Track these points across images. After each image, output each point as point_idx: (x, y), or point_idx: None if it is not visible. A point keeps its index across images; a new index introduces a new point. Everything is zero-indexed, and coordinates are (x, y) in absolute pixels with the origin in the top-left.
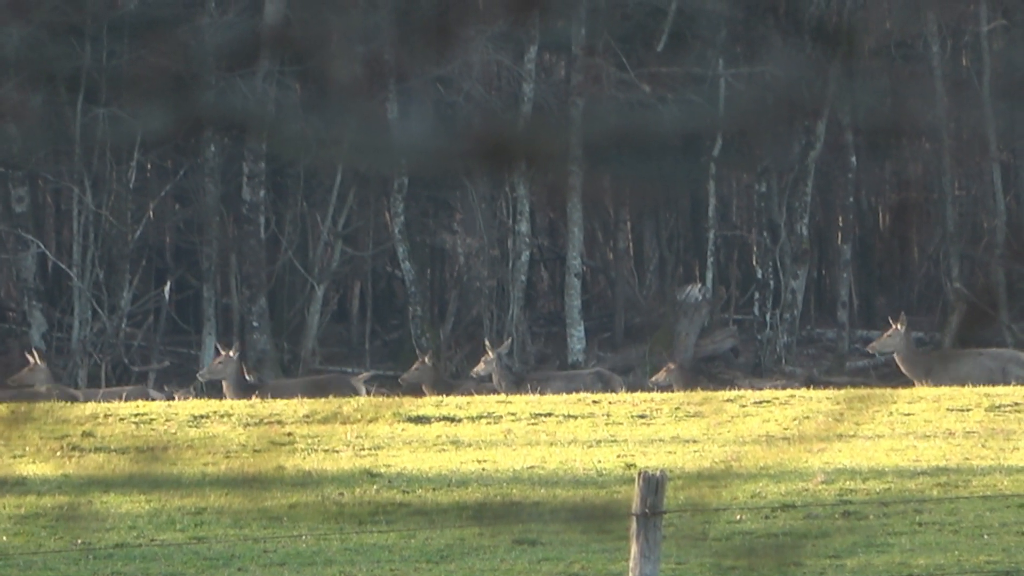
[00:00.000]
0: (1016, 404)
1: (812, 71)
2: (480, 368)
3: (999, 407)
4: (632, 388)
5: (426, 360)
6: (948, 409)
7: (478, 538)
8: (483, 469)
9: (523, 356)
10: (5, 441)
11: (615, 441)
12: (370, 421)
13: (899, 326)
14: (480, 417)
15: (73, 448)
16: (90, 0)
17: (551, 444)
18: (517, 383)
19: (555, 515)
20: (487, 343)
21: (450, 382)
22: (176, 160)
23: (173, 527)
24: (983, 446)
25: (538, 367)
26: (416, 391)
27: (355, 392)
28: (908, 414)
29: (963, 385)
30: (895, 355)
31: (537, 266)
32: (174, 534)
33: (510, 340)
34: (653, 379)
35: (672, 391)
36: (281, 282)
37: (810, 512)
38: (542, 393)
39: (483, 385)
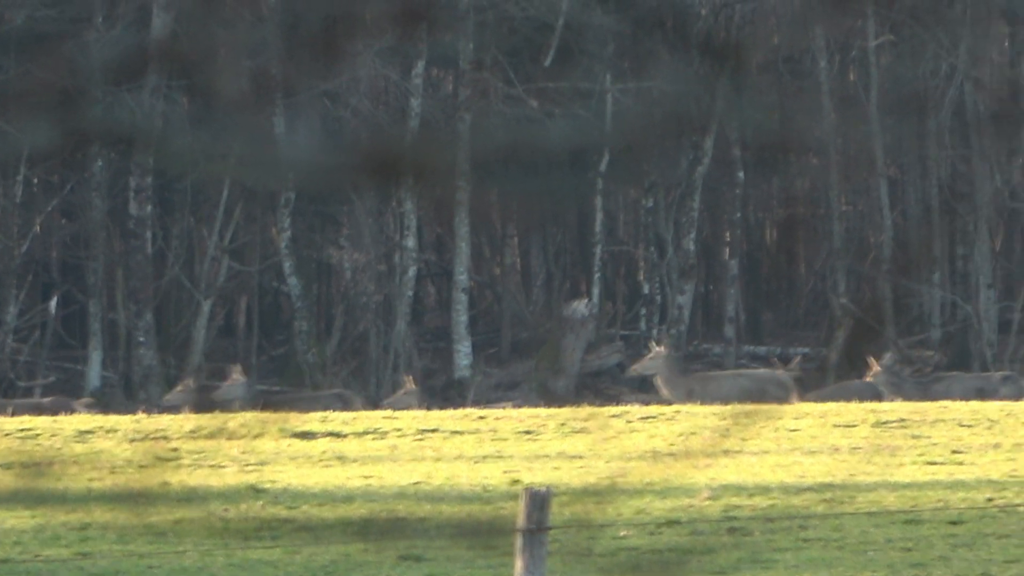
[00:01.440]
0: (902, 420)
1: (700, 86)
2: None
3: (885, 423)
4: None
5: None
6: (834, 425)
7: (363, 554)
8: (368, 485)
9: (409, 371)
10: None
11: (501, 457)
12: (255, 437)
13: (661, 348)
14: (366, 433)
15: None
16: None
17: (437, 460)
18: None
19: (440, 531)
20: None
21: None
22: (63, 175)
23: (58, 543)
24: (868, 462)
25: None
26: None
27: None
28: (794, 430)
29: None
30: (656, 377)
31: (424, 281)
32: (59, 550)
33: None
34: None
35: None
36: (167, 297)
37: (695, 528)
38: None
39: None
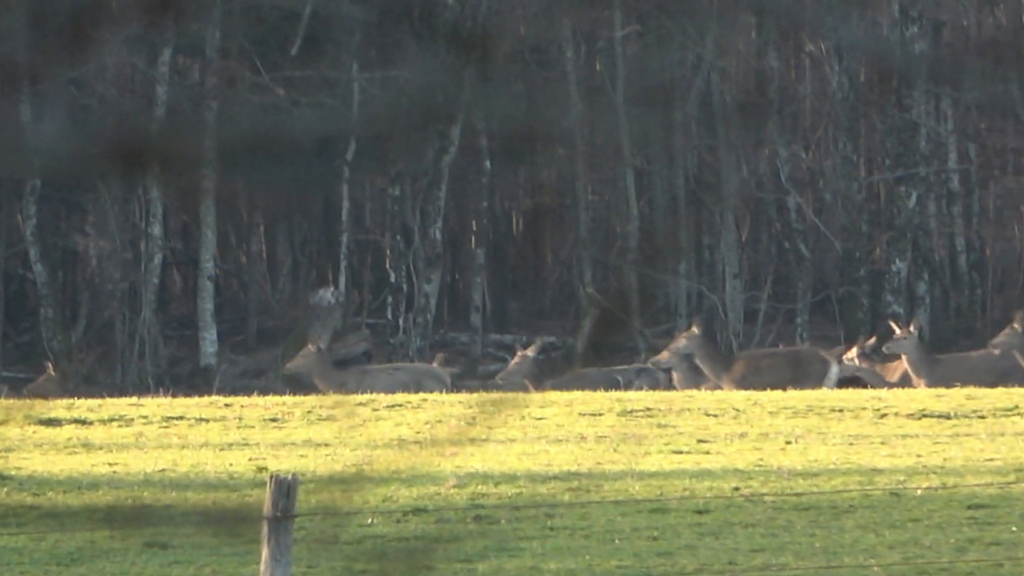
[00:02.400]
0: (648, 409)
1: (447, 76)
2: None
3: (631, 412)
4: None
5: (311, 347)
6: (580, 414)
7: (109, 541)
8: (114, 472)
9: (155, 360)
10: None
11: (247, 444)
12: (0, 423)
13: (313, 346)
14: (112, 420)
15: None
16: None
17: (183, 447)
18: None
19: (186, 518)
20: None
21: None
22: None
23: None
24: (615, 451)
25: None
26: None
27: None
28: (540, 418)
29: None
30: (312, 375)
31: (170, 269)
32: None
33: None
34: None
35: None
36: None
37: (442, 516)
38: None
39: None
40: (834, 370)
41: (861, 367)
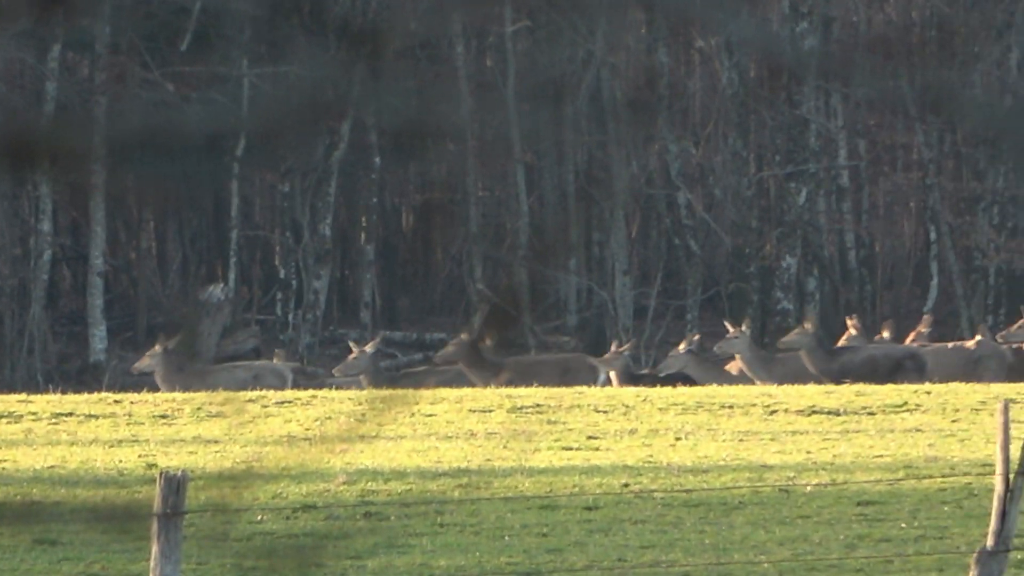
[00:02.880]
0: (538, 405)
1: (337, 71)
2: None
3: (521, 408)
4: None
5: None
6: (470, 410)
7: None
8: (3, 469)
9: (44, 356)
10: None
11: (136, 441)
12: None
13: (160, 347)
14: (0, 416)
15: None
16: None
17: (72, 444)
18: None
19: (76, 515)
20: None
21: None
22: None
23: None
24: (505, 447)
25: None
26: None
27: None
28: (430, 415)
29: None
30: (155, 375)
31: (59, 265)
32: None
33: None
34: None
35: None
36: None
37: (331, 513)
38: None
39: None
40: (602, 377)
41: (691, 364)
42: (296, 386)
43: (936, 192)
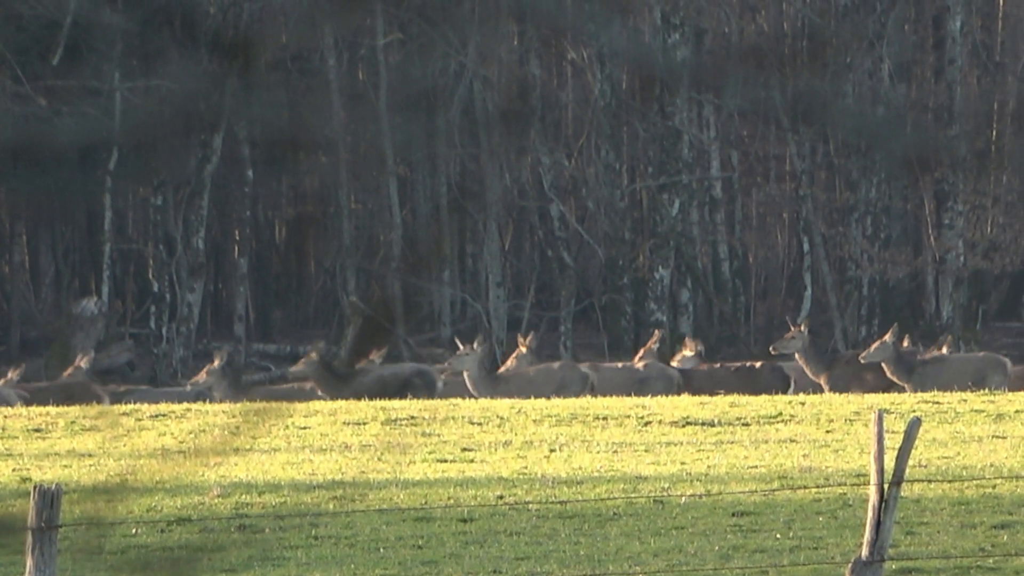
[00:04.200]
0: (412, 418)
1: (209, 84)
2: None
3: (395, 420)
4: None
5: (312, 355)
6: (344, 423)
7: None
8: None
9: None
10: None
11: (11, 455)
12: None
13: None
14: None
15: None
16: None
17: None
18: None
19: None
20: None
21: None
22: None
23: None
24: (379, 459)
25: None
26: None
27: None
28: (305, 427)
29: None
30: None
31: None
32: None
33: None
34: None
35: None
36: None
37: (206, 526)
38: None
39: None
40: (439, 387)
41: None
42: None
43: (809, 203)
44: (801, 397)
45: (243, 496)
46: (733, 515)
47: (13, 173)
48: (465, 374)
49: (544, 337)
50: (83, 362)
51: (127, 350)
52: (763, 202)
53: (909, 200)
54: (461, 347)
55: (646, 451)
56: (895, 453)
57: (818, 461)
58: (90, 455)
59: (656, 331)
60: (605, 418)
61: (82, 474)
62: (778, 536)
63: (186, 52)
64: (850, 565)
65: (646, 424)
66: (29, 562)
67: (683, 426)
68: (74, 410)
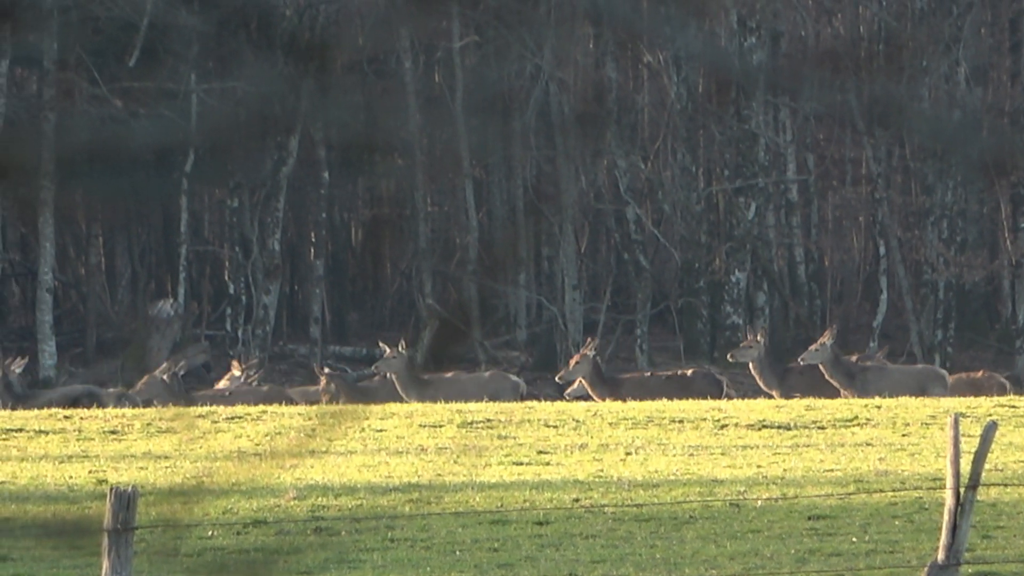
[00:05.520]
0: (488, 420)
1: (285, 86)
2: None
3: (471, 423)
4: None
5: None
6: (421, 425)
7: None
8: None
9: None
10: None
11: (87, 457)
12: None
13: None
14: None
15: None
16: None
17: (22, 460)
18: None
19: (26, 531)
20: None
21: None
22: None
23: None
24: (455, 462)
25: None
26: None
27: None
28: (381, 430)
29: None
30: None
31: (8, 281)
32: None
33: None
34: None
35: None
36: None
37: (282, 528)
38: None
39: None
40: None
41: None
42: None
43: (885, 206)
44: (877, 400)
45: (319, 499)
46: (809, 519)
47: (90, 175)
48: (393, 377)
49: (620, 340)
50: (162, 372)
51: (203, 352)
52: (839, 205)
53: (985, 204)
54: (388, 350)
55: (722, 454)
56: (971, 457)
57: (894, 464)
58: (166, 457)
59: (589, 338)
60: (681, 421)
61: (158, 476)
62: (854, 540)
63: (262, 54)
64: (926, 569)
65: (722, 427)
66: (105, 564)
67: (759, 429)
68: (150, 412)
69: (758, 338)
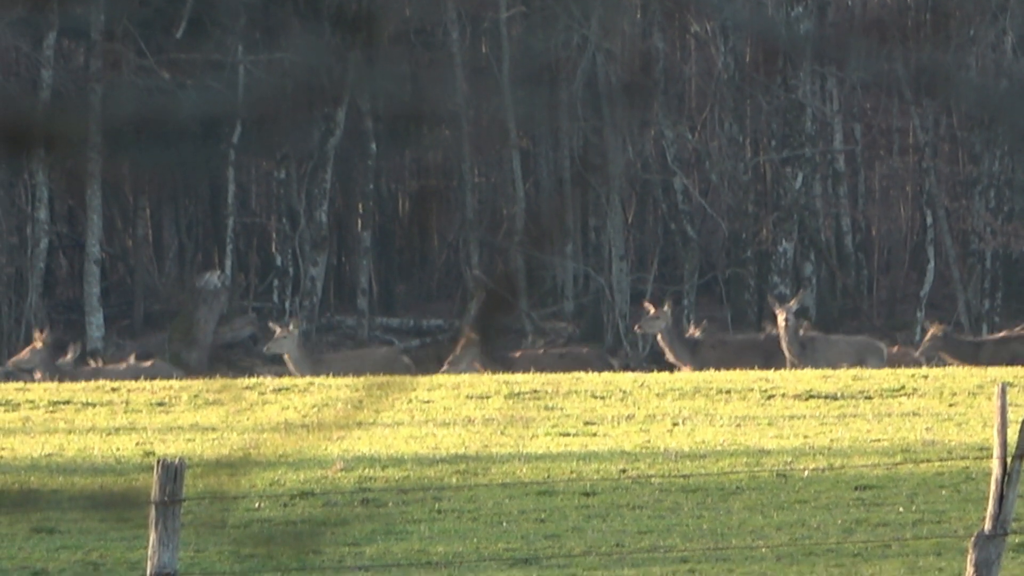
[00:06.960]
0: (535, 391)
1: (332, 57)
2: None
3: (518, 394)
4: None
5: (291, 328)
6: (467, 396)
7: None
8: (1, 457)
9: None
10: None
11: (134, 429)
12: None
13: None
14: None
15: None
16: None
17: (69, 432)
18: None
19: (73, 503)
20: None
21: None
22: None
23: None
24: (502, 433)
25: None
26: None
27: None
28: (427, 401)
29: None
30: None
31: (56, 253)
32: None
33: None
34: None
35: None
36: None
37: (329, 500)
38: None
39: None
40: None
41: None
42: None
43: (932, 176)
44: (924, 370)
45: (366, 470)
46: (856, 489)
47: (137, 147)
48: (286, 357)
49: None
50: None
51: (250, 324)
52: (886, 175)
53: None
54: (279, 330)
55: (769, 424)
56: (1018, 426)
57: (941, 434)
58: (213, 429)
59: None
60: (728, 391)
61: (205, 448)
62: (901, 510)
63: (309, 25)
64: (973, 539)
65: (769, 397)
66: (152, 536)
67: (806, 399)
68: (197, 384)
69: (665, 309)
